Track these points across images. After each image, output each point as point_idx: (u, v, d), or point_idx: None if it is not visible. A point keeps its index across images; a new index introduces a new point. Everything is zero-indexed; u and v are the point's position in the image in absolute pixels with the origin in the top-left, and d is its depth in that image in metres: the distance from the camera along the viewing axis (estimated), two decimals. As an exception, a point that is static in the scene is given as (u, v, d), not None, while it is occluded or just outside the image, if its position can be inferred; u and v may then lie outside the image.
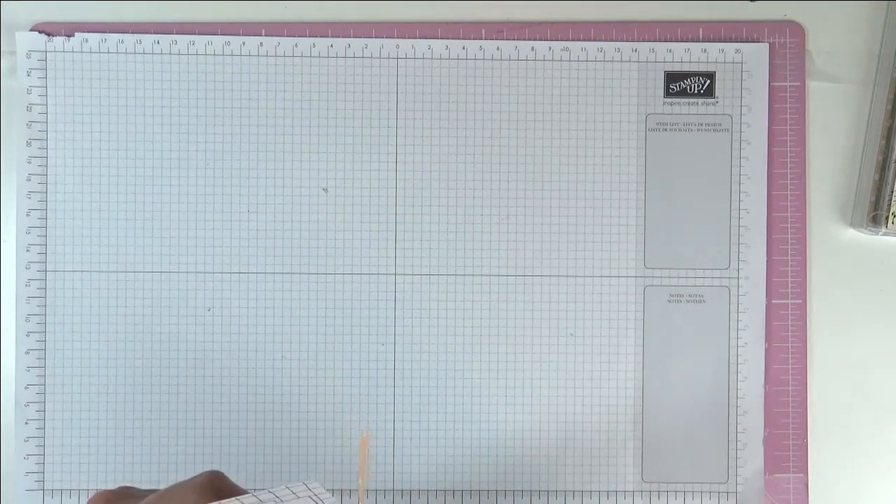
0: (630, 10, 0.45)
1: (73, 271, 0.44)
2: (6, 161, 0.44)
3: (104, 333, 0.44)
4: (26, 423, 0.44)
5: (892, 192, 0.43)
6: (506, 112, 0.45)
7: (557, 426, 0.45)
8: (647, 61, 0.45)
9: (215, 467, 0.44)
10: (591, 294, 0.45)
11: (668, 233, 0.45)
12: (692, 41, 0.45)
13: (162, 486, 0.31)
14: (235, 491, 0.29)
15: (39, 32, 0.44)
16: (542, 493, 0.44)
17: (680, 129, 0.45)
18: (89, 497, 0.31)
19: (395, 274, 0.44)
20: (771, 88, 0.45)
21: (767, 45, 0.45)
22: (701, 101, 0.45)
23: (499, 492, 0.44)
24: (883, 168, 0.44)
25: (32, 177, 0.44)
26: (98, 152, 0.44)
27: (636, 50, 0.45)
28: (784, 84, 0.45)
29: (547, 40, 0.45)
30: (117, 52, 0.44)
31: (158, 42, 0.44)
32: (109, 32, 0.44)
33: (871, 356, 0.45)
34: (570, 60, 0.45)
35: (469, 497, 0.44)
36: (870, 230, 0.44)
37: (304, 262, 0.44)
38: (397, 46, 0.45)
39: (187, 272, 0.44)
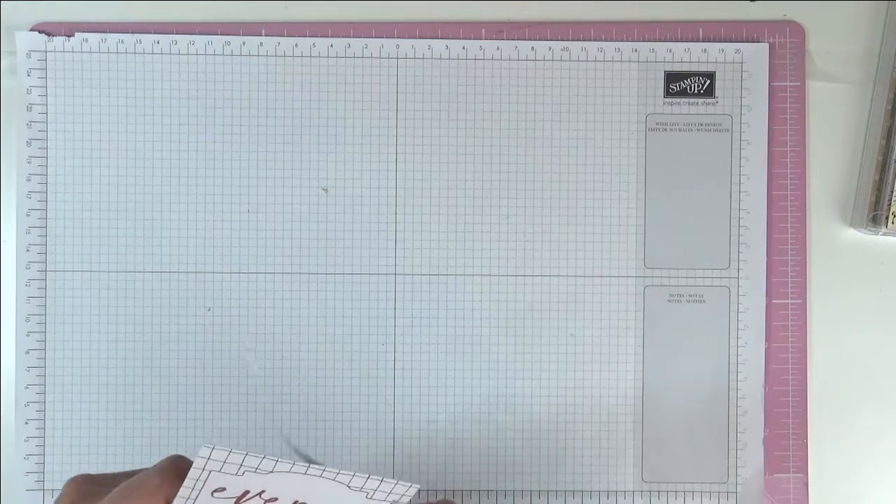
0: (630, 10, 0.45)
1: (73, 271, 0.44)
2: (6, 161, 0.44)
3: (104, 333, 0.44)
4: (26, 423, 0.44)
5: (892, 192, 0.43)
6: (506, 112, 0.45)
7: (557, 426, 0.45)
8: (647, 61, 0.45)
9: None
10: (591, 294, 0.45)
11: (668, 233, 0.45)
12: (692, 41, 0.45)
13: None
14: None
15: (39, 32, 0.44)
16: (542, 493, 0.44)
17: (680, 129, 0.45)
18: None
19: (395, 274, 0.45)
20: (771, 88, 0.45)
21: (767, 45, 0.45)
22: (701, 101, 0.45)
23: (499, 492, 0.44)
24: (883, 168, 0.44)
25: (32, 177, 0.44)
26: (98, 152, 0.44)
27: (636, 50, 0.45)
28: (784, 84, 0.45)
29: (547, 40, 0.45)
30: (117, 52, 0.44)
31: (158, 42, 0.44)
32: (109, 32, 0.44)
33: (871, 356, 0.45)
34: (570, 60, 0.45)
35: (469, 497, 0.44)
36: (870, 230, 0.44)
37: (304, 262, 0.44)
38: (397, 46, 0.45)
39: (187, 272, 0.44)
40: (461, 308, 0.45)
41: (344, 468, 0.45)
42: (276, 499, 0.29)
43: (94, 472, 0.33)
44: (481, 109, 0.45)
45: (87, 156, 0.44)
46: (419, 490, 0.44)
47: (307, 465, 0.29)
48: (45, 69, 0.44)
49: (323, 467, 0.29)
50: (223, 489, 0.29)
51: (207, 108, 0.44)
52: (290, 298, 0.44)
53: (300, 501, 0.29)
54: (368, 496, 0.29)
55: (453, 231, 0.45)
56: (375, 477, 0.29)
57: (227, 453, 0.28)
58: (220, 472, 0.28)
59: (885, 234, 0.44)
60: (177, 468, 0.30)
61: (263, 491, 0.29)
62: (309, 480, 0.29)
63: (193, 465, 0.28)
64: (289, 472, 0.29)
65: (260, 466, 0.28)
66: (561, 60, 0.45)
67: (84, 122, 0.44)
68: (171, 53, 0.44)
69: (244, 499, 0.29)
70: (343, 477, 0.29)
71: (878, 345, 0.45)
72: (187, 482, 0.28)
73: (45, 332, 0.44)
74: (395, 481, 0.29)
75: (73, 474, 0.33)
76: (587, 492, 0.44)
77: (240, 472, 0.28)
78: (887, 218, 0.43)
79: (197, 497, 0.29)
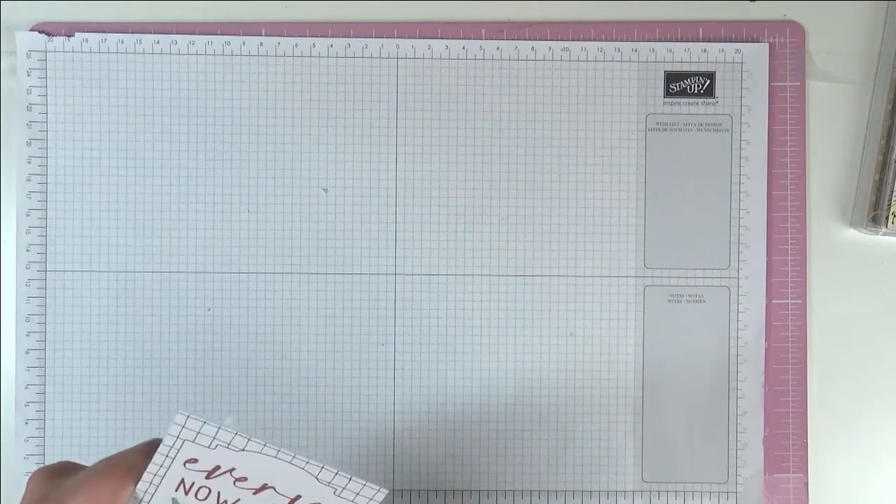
0: (630, 10, 0.45)
1: (73, 271, 0.44)
2: (6, 161, 0.44)
3: (104, 333, 0.44)
4: (26, 423, 0.44)
5: (892, 192, 0.43)
6: (506, 112, 0.45)
7: (557, 426, 0.45)
8: (647, 61, 0.45)
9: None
10: (591, 294, 0.45)
11: (668, 233, 0.45)
12: (692, 41, 0.45)
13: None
14: None
15: (39, 32, 0.44)
16: (542, 493, 0.44)
17: (680, 129, 0.45)
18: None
19: (395, 274, 0.45)
20: (771, 88, 0.45)
21: (767, 45, 0.45)
22: (701, 101, 0.45)
23: (499, 492, 0.44)
24: (883, 168, 0.44)
25: (32, 177, 0.44)
26: (98, 152, 0.44)
27: (636, 50, 0.45)
28: (784, 84, 0.45)
29: (547, 40, 0.45)
30: (117, 52, 0.44)
31: (158, 42, 0.44)
32: (109, 32, 0.44)
33: (871, 356, 0.45)
34: (570, 60, 0.45)
35: (469, 497, 0.44)
36: (870, 230, 0.44)
37: (304, 262, 0.44)
38: (397, 46, 0.45)
39: (187, 272, 0.44)
40: (461, 308, 0.45)
41: (344, 467, 0.45)
42: (245, 478, 0.30)
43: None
44: (481, 109, 0.45)
45: (87, 156, 0.44)
46: (418, 492, 0.44)
47: (278, 447, 0.29)
48: (45, 69, 0.44)
49: (293, 454, 0.29)
50: (195, 461, 0.29)
51: (207, 108, 0.44)
52: (290, 298, 0.44)
53: (269, 485, 0.30)
54: (336, 492, 0.30)
55: (453, 231, 0.45)
56: (344, 474, 0.29)
57: (201, 423, 0.28)
58: (193, 441, 0.29)
59: (885, 234, 0.44)
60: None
61: (234, 468, 0.29)
62: (278, 464, 0.29)
63: (168, 431, 0.29)
64: (259, 452, 0.29)
65: (232, 443, 0.29)
66: (561, 60, 0.45)
67: (84, 122, 0.44)
68: (171, 53, 0.44)
69: (214, 474, 0.29)
70: (312, 467, 0.29)
71: (878, 345, 0.45)
72: (162, 448, 0.29)
73: (45, 332, 0.44)
74: (364, 482, 0.29)
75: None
76: (587, 492, 0.44)
77: (212, 446, 0.29)
78: (887, 218, 0.43)
79: (170, 465, 0.29)
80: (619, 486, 0.44)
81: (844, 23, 0.45)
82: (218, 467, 0.29)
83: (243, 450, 0.29)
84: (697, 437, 0.45)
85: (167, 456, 0.29)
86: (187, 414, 0.28)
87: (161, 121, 0.44)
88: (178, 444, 0.29)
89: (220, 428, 0.29)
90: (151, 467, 0.29)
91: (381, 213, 0.45)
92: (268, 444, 0.29)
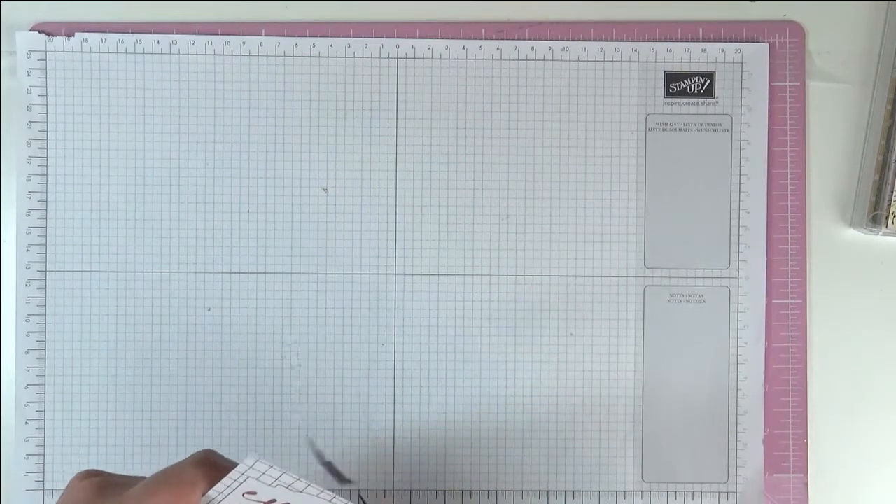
0: (630, 10, 0.45)
1: (73, 271, 0.44)
2: (6, 161, 0.44)
3: (104, 333, 0.44)
4: (26, 423, 0.44)
5: (892, 192, 0.43)
6: (506, 112, 0.45)
7: (557, 426, 0.45)
8: (647, 61, 0.45)
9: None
10: (591, 294, 0.45)
11: (668, 233, 0.45)
12: (692, 41, 0.45)
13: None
14: (229, 465, 0.31)
15: (39, 32, 0.44)
16: (542, 493, 0.44)
17: (680, 129, 0.45)
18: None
19: (395, 274, 0.45)
20: (771, 88, 0.45)
21: (767, 45, 0.45)
22: (701, 101, 0.45)
23: (499, 492, 0.44)
24: (883, 168, 0.44)
25: (32, 177, 0.44)
26: (98, 152, 0.44)
27: (636, 50, 0.45)
28: (784, 84, 0.45)
29: (547, 40, 0.45)
30: (117, 52, 0.44)
31: (158, 42, 0.44)
32: (109, 32, 0.44)
33: (871, 356, 0.45)
34: (570, 60, 0.45)
35: (469, 497, 0.44)
36: (870, 230, 0.44)
37: (304, 262, 0.44)
38: (397, 46, 0.45)
39: (187, 272, 0.44)
40: (461, 308, 0.45)
41: (343, 468, 0.45)
42: None
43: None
44: (481, 109, 0.45)
45: (87, 156, 0.44)
46: (417, 492, 0.44)
47: (333, 494, 0.31)
48: (45, 69, 0.44)
49: (347, 501, 0.31)
50: (254, 493, 0.30)
51: (207, 108, 0.44)
52: (290, 298, 0.44)
53: None
54: None
55: (453, 231, 0.45)
56: None
57: (268, 467, 0.30)
58: (256, 479, 0.30)
59: (885, 234, 0.44)
60: (211, 462, 0.31)
61: None
62: None
63: (236, 468, 0.30)
64: (316, 496, 0.31)
65: (292, 485, 0.30)
66: (561, 60, 0.45)
67: (84, 122, 0.44)
68: (171, 53, 0.44)
69: None
70: None
71: (877, 345, 0.45)
72: (225, 480, 0.30)
73: (45, 332, 0.44)
74: None
75: (73, 474, 0.34)
76: (587, 492, 0.44)
77: (273, 485, 0.30)
78: (887, 218, 0.43)
79: (229, 494, 0.30)
80: (619, 487, 0.44)
81: (844, 23, 0.45)
82: (273, 501, 0.31)
83: (301, 492, 0.31)
84: (697, 437, 0.45)
85: (229, 486, 0.30)
86: (257, 457, 0.30)
87: (161, 121, 0.44)
88: (241, 479, 0.30)
89: (283, 473, 0.30)
90: (212, 493, 0.30)
91: (381, 213, 0.45)
92: (325, 490, 0.31)
